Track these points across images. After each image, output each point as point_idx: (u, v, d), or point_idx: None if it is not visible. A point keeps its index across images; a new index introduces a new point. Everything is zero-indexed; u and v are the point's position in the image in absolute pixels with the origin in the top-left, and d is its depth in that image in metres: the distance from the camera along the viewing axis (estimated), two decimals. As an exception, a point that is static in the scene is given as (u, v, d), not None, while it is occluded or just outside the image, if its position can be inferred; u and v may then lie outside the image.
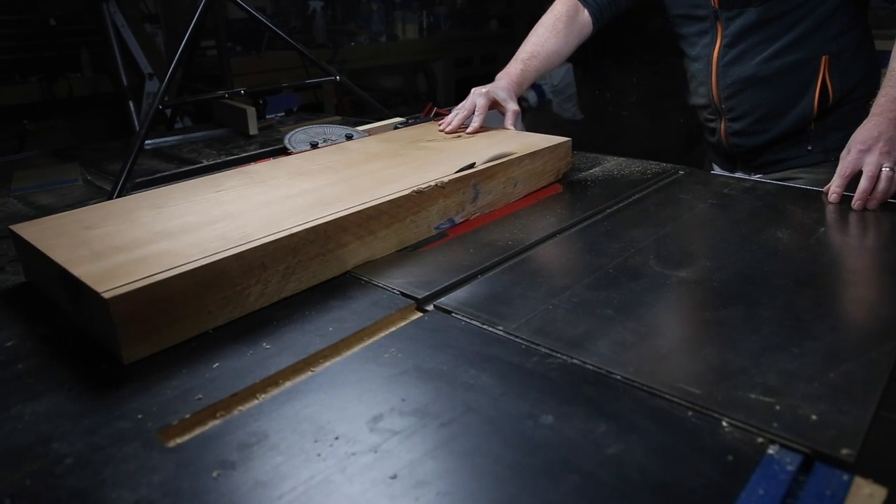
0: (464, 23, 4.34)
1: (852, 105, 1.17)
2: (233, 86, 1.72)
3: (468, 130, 1.17)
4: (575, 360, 0.60)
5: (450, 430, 0.51)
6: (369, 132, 1.28)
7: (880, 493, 0.44)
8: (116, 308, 0.59)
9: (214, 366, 0.61)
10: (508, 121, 1.20)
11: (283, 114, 1.96)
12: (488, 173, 0.95)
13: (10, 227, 0.78)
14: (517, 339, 0.63)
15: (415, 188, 0.85)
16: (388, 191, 0.84)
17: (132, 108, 2.45)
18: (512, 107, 1.20)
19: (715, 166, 1.40)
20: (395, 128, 1.31)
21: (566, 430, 0.50)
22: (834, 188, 0.96)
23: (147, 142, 1.48)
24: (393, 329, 0.67)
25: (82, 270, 0.64)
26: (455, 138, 1.14)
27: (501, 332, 0.65)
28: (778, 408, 0.51)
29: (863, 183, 0.92)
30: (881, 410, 0.51)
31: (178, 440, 0.51)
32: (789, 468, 0.46)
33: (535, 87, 3.75)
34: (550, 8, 1.32)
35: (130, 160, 1.14)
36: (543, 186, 1.08)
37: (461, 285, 0.75)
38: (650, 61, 3.64)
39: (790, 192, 1.03)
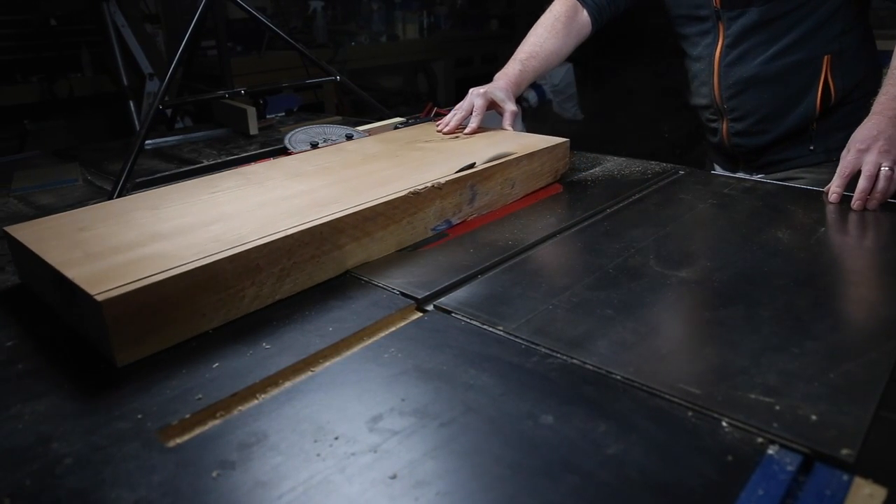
0: (464, 23, 4.34)
1: (854, 104, 1.16)
2: (233, 86, 1.72)
3: (466, 131, 1.17)
4: (575, 360, 0.60)
5: (449, 430, 0.51)
6: (369, 132, 1.28)
7: (880, 493, 0.44)
8: (110, 311, 0.58)
9: (214, 366, 0.61)
10: (506, 121, 1.19)
11: (283, 114, 1.96)
12: (485, 174, 0.95)
13: (5, 228, 0.77)
14: (517, 339, 0.63)
15: (411, 189, 0.85)
16: (385, 192, 0.84)
17: (132, 108, 2.45)
18: (510, 107, 1.20)
19: (716, 166, 1.40)
20: (396, 128, 1.31)
21: (566, 431, 0.50)
22: (834, 188, 0.96)
23: (147, 142, 1.48)
24: (393, 329, 0.67)
25: (76, 272, 0.63)
26: (453, 139, 1.14)
27: (501, 332, 0.65)
28: (778, 408, 0.51)
29: (861, 183, 0.92)
30: (881, 410, 0.51)
31: (178, 440, 0.51)
32: (789, 468, 0.46)
33: (536, 87, 3.75)
34: (549, 8, 1.32)
35: (131, 160, 1.14)
36: (542, 187, 1.08)
37: (461, 285, 0.75)
38: (650, 61, 3.63)
39: (790, 192, 1.03)
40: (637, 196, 1.03)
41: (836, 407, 0.51)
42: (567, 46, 1.30)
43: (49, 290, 0.70)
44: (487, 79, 1.26)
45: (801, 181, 1.21)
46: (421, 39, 4.05)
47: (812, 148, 1.20)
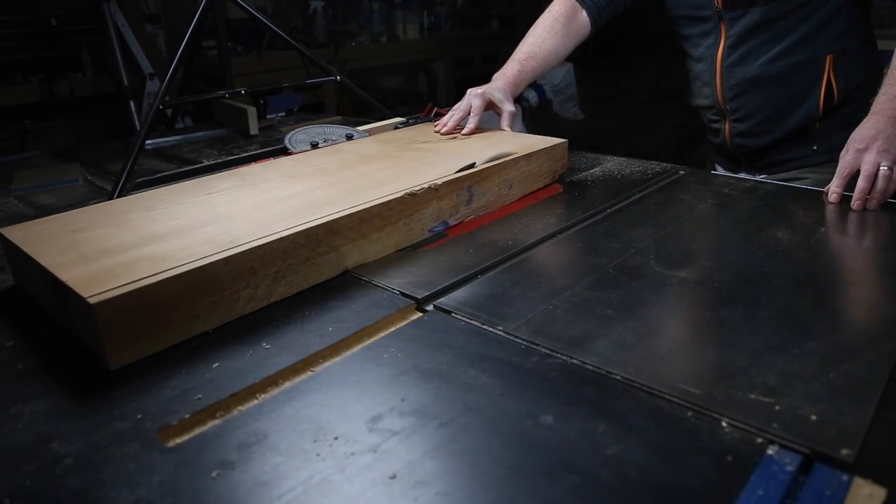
0: (465, 23, 4.34)
1: (857, 104, 1.16)
2: (233, 86, 1.72)
3: (464, 131, 1.16)
4: (575, 361, 0.60)
5: (449, 430, 0.51)
6: (370, 132, 1.28)
7: (880, 493, 0.44)
8: (102, 313, 0.58)
9: (214, 366, 0.61)
10: (505, 122, 1.19)
11: (283, 114, 1.96)
12: (483, 175, 0.95)
13: None
14: (517, 339, 0.63)
15: (408, 190, 0.85)
16: (381, 193, 0.83)
17: (133, 108, 2.45)
18: (508, 108, 1.20)
19: (718, 167, 1.39)
20: (396, 128, 1.31)
21: (565, 431, 0.50)
22: (833, 188, 0.96)
23: (148, 142, 1.48)
24: (393, 329, 0.67)
25: (69, 275, 0.63)
26: (451, 139, 1.14)
27: (501, 332, 0.65)
28: (777, 408, 0.51)
29: (860, 182, 0.92)
30: (881, 410, 0.51)
31: (178, 440, 0.51)
32: (789, 468, 0.46)
33: (536, 87, 3.75)
34: (548, 8, 1.32)
35: (131, 160, 1.14)
36: (540, 188, 1.07)
37: (461, 285, 0.75)
38: (650, 61, 3.64)
39: (790, 192, 1.03)
40: (637, 196, 1.03)
41: (836, 407, 0.51)
42: (566, 47, 1.30)
43: (43, 292, 0.70)
44: (488, 79, 1.26)
45: (804, 181, 1.21)
46: (421, 39, 4.05)
47: (815, 148, 1.20)
